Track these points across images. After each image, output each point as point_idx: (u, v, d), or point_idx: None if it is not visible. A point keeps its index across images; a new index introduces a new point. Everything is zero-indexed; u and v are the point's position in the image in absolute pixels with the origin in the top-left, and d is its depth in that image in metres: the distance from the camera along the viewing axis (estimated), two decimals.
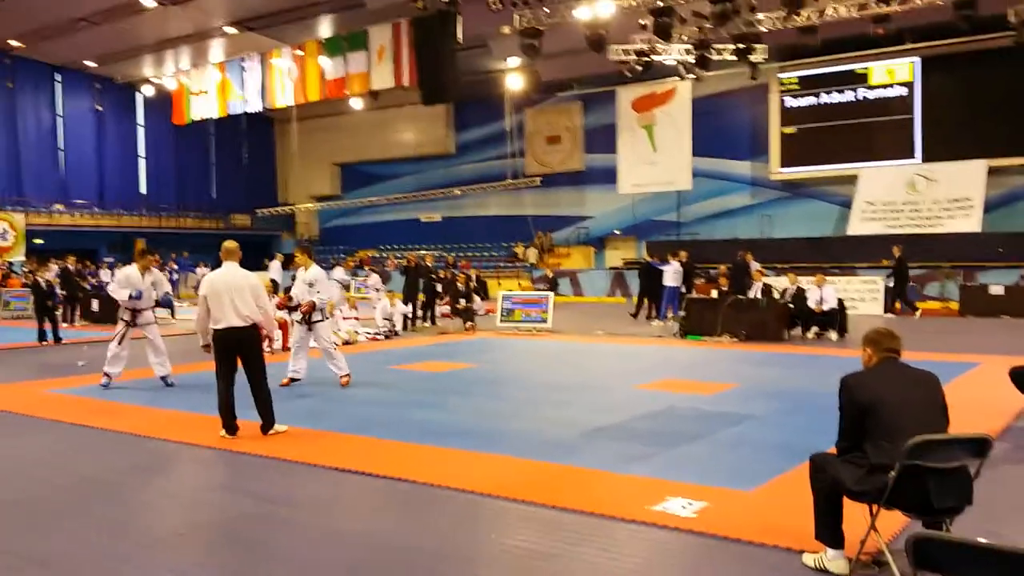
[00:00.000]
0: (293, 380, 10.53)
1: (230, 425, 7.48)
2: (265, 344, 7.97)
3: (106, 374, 10.47)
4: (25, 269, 29.32)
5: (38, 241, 34.72)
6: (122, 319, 10.69)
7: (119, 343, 10.51)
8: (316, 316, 10.49)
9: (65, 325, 19.01)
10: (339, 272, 28.75)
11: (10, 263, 32.50)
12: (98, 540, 4.79)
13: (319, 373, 11.00)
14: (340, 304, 16.48)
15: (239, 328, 7.43)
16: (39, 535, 4.93)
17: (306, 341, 10.69)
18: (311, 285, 10.46)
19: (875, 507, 4.04)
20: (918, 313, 20.11)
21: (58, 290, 19.85)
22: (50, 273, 19.26)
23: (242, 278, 7.58)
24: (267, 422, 7.55)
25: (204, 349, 7.76)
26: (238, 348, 7.48)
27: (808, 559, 4.31)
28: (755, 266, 19.64)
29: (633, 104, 32.41)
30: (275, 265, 29.63)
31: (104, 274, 27.72)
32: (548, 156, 36.74)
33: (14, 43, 33.12)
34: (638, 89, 31.60)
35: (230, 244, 7.82)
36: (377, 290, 15.82)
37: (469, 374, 11.75)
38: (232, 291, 7.44)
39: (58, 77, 36.88)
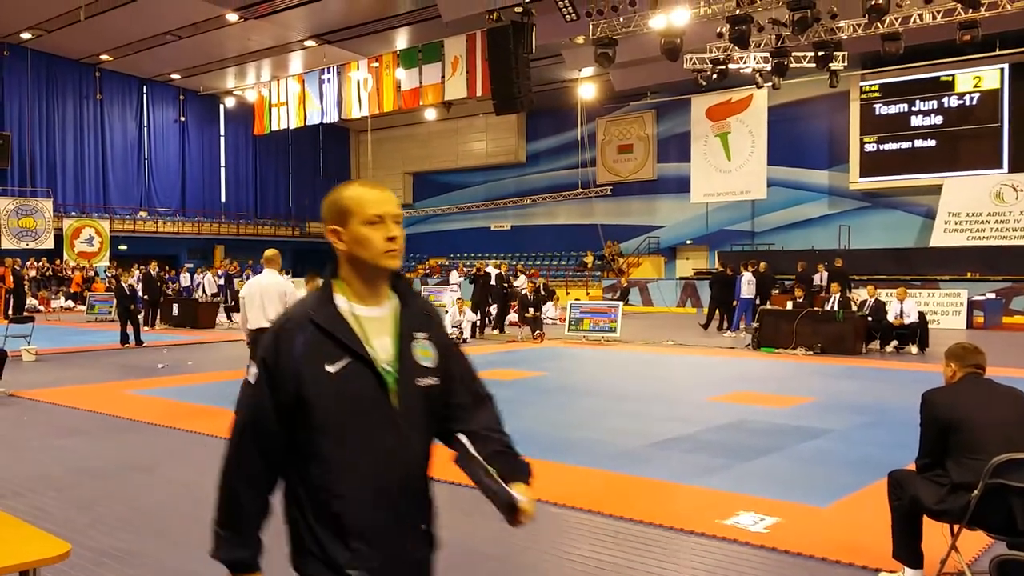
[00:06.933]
0: None
1: None
2: None
3: None
4: (109, 274, 30.36)
5: (122, 247, 36.00)
6: None
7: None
8: None
9: (146, 328, 19.62)
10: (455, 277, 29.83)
11: (95, 268, 33.77)
12: (185, 541, 4.88)
13: None
14: None
15: (266, 329, 7.76)
16: (114, 532, 5.06)
17: None
18: None
19: (956, 527, 3.88)
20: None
21: (140, 294, 20.51)
22: (133, 278, 19.84)
23: (275, 284, 8.17)
24: None
25: (248, 347, 8.39)
26: None
27: None
28: (822, 276, 19.24)
29: (707, 112, 32.02)
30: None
31: (184, 278, 28.56)
32: (620, 165, 36.56)
33: (104, 57, 34.51)
34: (713, 97, 31.22)
35: (269, 252, 8.45)
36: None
37: (537, 382, 11.71)
38: (264, 295, 8.05)
39: (144, 89, 38.23)
